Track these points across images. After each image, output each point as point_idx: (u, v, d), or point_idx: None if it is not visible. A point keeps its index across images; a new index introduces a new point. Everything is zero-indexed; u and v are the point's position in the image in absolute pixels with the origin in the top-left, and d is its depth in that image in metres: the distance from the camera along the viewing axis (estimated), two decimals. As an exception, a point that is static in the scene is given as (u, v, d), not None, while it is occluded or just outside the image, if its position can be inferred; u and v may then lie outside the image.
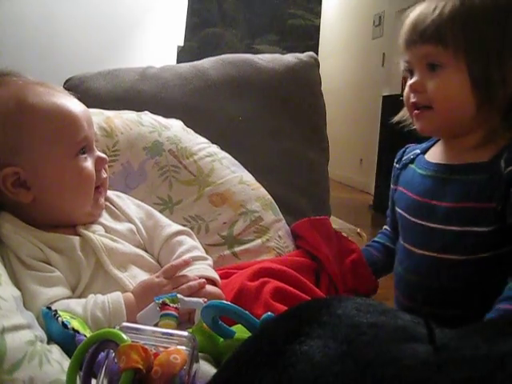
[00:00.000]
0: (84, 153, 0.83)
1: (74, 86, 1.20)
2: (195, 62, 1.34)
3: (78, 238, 0.82)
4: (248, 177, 1.13)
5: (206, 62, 1.33)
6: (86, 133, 0.83)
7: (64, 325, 0.66)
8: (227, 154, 1.15)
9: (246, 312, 0.65)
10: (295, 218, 1.18)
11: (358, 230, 2.02)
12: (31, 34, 2.71)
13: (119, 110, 1.15)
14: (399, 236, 1.04)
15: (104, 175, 0.88)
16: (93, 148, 0.86)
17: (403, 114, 1.06)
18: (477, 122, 0.92)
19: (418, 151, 1.07)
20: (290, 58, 1.37)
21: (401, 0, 4.61)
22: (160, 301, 0.67)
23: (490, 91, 0.89)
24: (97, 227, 0.85)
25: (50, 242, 0.79)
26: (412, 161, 1.06)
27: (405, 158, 1.10)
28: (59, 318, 0.66)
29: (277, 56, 1.38)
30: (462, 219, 0.91)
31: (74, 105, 0.83)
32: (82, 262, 0.79)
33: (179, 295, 0.69)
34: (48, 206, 0.81)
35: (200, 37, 4.52)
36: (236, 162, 1.15)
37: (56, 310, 0.69)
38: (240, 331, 0.67)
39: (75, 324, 0.67)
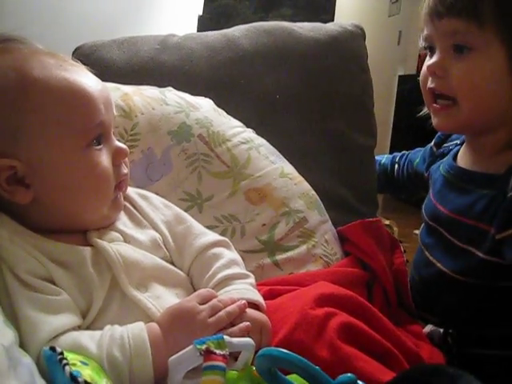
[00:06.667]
0: (99, 143, 0.66)
1: (84, 56, 1.03)
2: (224, 30, 1.15)
3: (89, 248, 0.64)
4: (289, 168, 0.95)
5: (237, 30, 1.14)
6: (102, 117, 0.66)
7: (73, 377, 0.48)
8: (264, 141, 0.97)
9: (309, 363, 0.49)
10: (338, 212, 1.02)
11: (388, 222, 1.78)
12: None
13: (137, 84, 0.97)
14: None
15: (125, 170, 0.70)
16: (110, 137, 0.69)
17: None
18: (504, 118, 0.79)
19: (458, 142, 0.95)
20: (334, 26, 1.19)
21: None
22: (203, 346, 0.50)
23: None
24: (113, 234, 0.68)
25: (53, 255, 0.62)
26: (448, 153, 0.96)
27: (445, 145, 0.99)
28: (66, 367, 0.49)
29: (318, 25, 1.19)
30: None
31: (90, 82, 0.66)
32: (95, 280, 0.62)
33: (226, 337, 0.52)
34: (52, 209, 0.64)
35: (212, 8, 4.30)
36: (274, 150, 0.97)
37: (62, 353, 0.51)
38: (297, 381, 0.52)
39: (87, 374, 0.50)
